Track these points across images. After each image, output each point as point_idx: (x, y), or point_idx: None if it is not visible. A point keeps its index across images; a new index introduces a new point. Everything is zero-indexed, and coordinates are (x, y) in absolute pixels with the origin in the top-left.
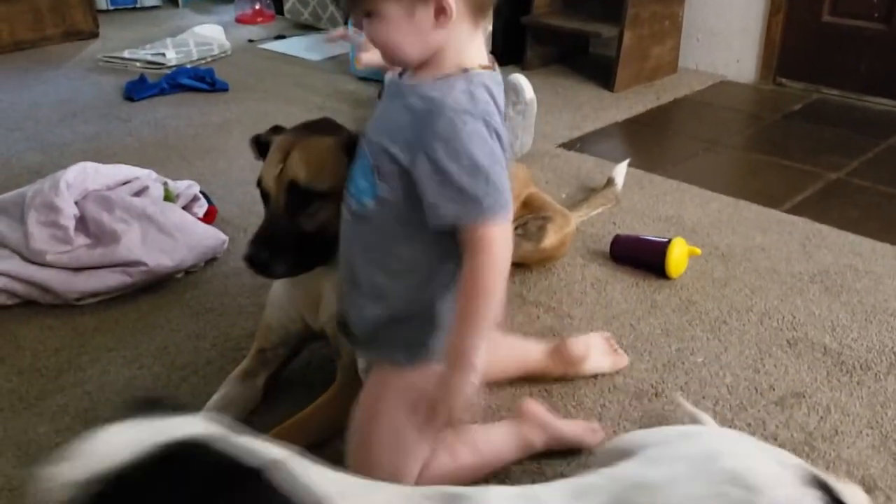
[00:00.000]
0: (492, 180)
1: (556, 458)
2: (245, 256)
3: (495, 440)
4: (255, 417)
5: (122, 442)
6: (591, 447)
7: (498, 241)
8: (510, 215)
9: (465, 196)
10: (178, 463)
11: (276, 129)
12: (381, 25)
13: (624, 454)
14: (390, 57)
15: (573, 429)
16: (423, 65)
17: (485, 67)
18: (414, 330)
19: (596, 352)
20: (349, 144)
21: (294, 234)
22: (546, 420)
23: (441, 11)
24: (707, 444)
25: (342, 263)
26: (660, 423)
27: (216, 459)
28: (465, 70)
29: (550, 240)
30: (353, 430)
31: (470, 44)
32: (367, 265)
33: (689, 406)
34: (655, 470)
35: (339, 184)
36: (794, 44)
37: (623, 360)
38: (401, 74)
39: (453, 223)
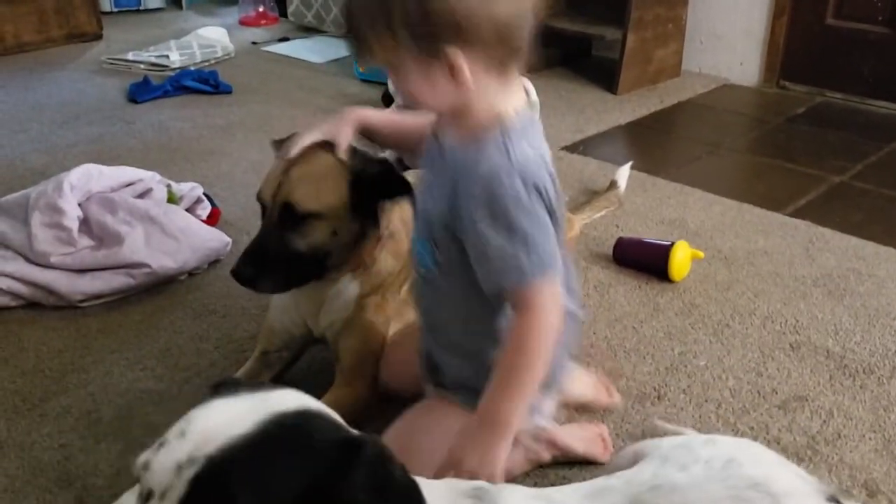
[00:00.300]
0: (531, 242)
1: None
2: (232, 270)
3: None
4: None
5: (235, 414)
6: (600, 460)
7: (542, 304)
8: (557, 276)
9: (505, 260)
10: (303, 432)
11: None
12: (401, 77)
13: (635, 462)
14: (417, 105)
15: (582, 442)
16: (454, 116)
17: (521, 110)
18: None
19: (582, 379)
20: (355, 168)
21: (284, 252)
22: (555, 437)
23: (455, 71)
24: (729, 450)
25: (421, 317)
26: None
27: (333, 430)
28: (500, 118)
29: None
30: (395, 430)
31: (503, 94)
32: (444, 324)
33: (669, 427)
34: (675, 473)
35: (336, 205)
36: (797, 47)
37: (615, 398)
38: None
39: (498, 288)
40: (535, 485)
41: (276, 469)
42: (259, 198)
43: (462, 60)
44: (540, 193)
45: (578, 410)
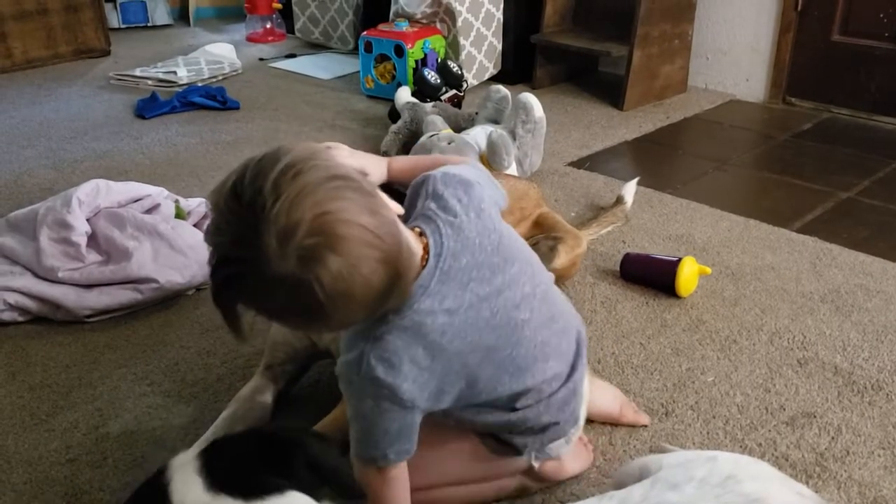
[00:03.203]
0: (364, 435)
1: None
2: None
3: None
4: None
5: None
6: (587, 467)
7: (366, 483)
8: (387, 465)
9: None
10: None
11: None
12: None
13: (640, 477)
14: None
15: (577, 462)
16: None
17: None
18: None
19: (605, 394)
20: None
21: None
22: (546, 472)
23: None
24: (729, 467)
25: None
26: (669, 443)
27: None
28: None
29: (562, 260)
30: None
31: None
32: None
33: (674, 449)
34: (666, 492)
35: None
36: (803, 63)
37: (643, 418)
38: None
39: None
40: (543, 502)
41: None
42: None
43: None
44: (393, 398)
45: (604, 425)
